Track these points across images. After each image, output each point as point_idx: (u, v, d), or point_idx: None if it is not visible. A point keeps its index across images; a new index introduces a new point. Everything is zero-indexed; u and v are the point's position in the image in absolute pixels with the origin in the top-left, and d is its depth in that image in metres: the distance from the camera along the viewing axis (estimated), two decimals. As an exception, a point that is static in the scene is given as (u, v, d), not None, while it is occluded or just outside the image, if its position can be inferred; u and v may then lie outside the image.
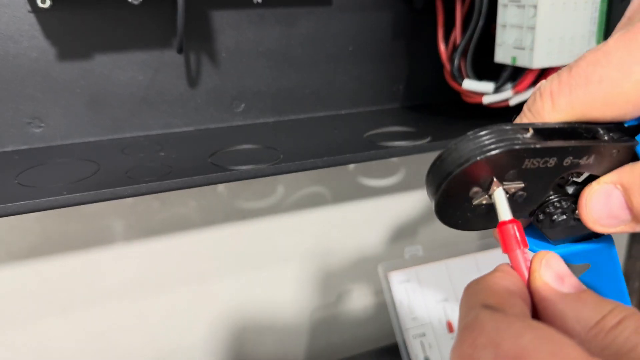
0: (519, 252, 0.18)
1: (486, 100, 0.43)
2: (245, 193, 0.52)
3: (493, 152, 0.17)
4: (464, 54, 0.44)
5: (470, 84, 0.43)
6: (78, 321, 0.50)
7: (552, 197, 0.20)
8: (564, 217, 0.20)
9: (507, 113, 0.44)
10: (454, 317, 0.54)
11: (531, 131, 0.18)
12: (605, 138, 0.19)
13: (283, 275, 0.57)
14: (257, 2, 0.42)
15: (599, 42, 0.41)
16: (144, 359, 0.54)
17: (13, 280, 0.47)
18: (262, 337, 0.58)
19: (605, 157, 0.19)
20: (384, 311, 0.62)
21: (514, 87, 0.41)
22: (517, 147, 0.17)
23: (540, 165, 0.18)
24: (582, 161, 0.18)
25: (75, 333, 0.50)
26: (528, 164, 0.18)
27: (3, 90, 0.38)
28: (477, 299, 0.17)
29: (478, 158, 0.17)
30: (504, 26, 0.40)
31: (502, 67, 0.42)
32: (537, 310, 0.18)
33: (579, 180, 0.20)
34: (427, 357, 0.52)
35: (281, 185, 0.53)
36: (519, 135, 0.17)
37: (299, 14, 0.44)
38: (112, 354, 0.52)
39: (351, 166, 0.56)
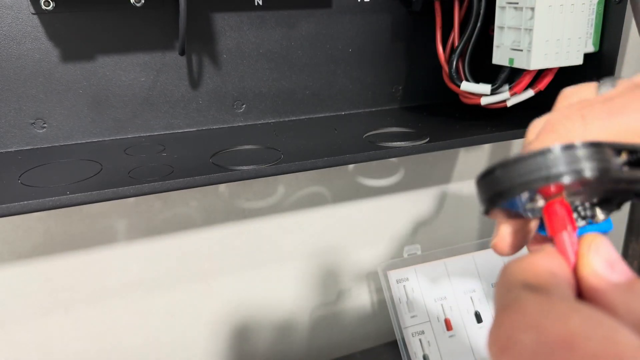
0: (566, 235, 0.17)
1: (484, 101, 0.43)
2: (246, 193, 0.52)
3: (586, 174, 0.15)
4: (462, 55, 0.44)
5: (468, 86, 0.44)
6: (81, 320, 0.50)
7: (580, 205, 0.19)
8: (583, 222, 0.19)
9: (504, 113, 0.45)
10: (452, 315, 0.54)
11: (624, 157, 0.16)
12: None
13: (284, 274, 0.57)
14: (258, 4, 0.42)
15: (595, 44, 0.42)
16: (146, 357, 0.54)
17: (17, 279, 0.47)
18: (263, 335, 0.59)
19: None
20: (384, 309, 0.63)
21: (511, 88, 0.42)
22: (611, 174, 0.16)
23: (610, 187, 0.17)
24: None
25: (78, 331, 0.50)
26: (603, 186, 0.17)
27: (6, 91, 0.39)
28: (517, 279, 0.16)
29: (567, 178, 0.16)
30: (502, 28, 0.40)
31: (500, 68, 0.42)
32: (583, 299, 0.16)
33: None
34: (426, 354, 0.52)
35: (282, 185, 0.54)
36: (612, 160, 0.16)
37: (300, 16, 0.44)
38: (115, 352, 0.53)
39: (351, 166, 0.56)
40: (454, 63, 0.44)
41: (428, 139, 0.40)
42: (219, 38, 0.43)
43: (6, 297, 0.47)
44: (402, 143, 0.39)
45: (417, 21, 0.48)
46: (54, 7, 0.37)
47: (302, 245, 0.57)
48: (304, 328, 0.60)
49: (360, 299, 0.62)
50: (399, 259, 0.55)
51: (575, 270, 0.17)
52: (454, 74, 0.44)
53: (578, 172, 0.16)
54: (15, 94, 0.39)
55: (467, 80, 0.44)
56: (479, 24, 0.43)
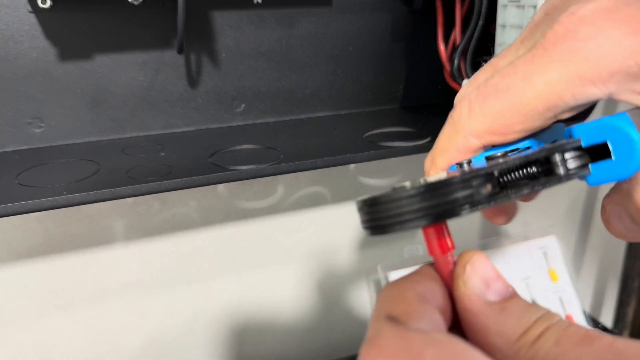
0: (443, 255, 0.17)
1: (485, 100, 0.43)
2: (246, 193, 0.52)
3: (447, 217, 0.16)
4: (464, 54, 0.44)
5: (469, 84, 0.43)
6: (79, 320, 0.50)
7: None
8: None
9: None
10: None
11: (489, 188, 0.16)
12: (561, 171, 0.17)
13: (283, 274, 0.57)
14: (257, 2, 0.42)
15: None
16: (146, 357, 0.54)
17: (15, 280, 0.47)
18: (262, 336, 0.58)
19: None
20: (384, 310, 0.62)
21: (513, 87, 0.41)
22: (474, 209, 0.16)
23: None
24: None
25: (76, 332, 0.50)
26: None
27: (4, 91, 0.38)
28: (384, 308, 0.15)
29: (431, 221, 0.16)
30: (504, 26, 0.40)
31: (502, 67, 0.42)
32: (461, 322, 0.16)
33: None
34: (427, 356, 0.52)
35: (281, 185, 0.53)
36: (480, 192, 0.16)
37: (299, 14, 0.44)
38: (114, 352, 0.52)
39: (351, 166, 0.56)
40: (456, 61, 0.44)
41: (428, 138, 0.40)
42: (218, 37, 0.42)
43: (5, 297, 0.47)
44: (402, 143, 0.39)
45: (417, 20, 0.48)
46: (51, 6, 0.37)
47: (302, 245, 0.57)
48: (303, 328, 0.60)
49: (360, 299, 0.62)
50: (399, 259, 0.55)
51: (451, 292, 0.16)
52: (455, 73, 0.44)
53: (450, 212, 0.15)
54: (13, 93, 0.39)
55: (468, 78, 0.44)
56: (480, 22, 0.42)
